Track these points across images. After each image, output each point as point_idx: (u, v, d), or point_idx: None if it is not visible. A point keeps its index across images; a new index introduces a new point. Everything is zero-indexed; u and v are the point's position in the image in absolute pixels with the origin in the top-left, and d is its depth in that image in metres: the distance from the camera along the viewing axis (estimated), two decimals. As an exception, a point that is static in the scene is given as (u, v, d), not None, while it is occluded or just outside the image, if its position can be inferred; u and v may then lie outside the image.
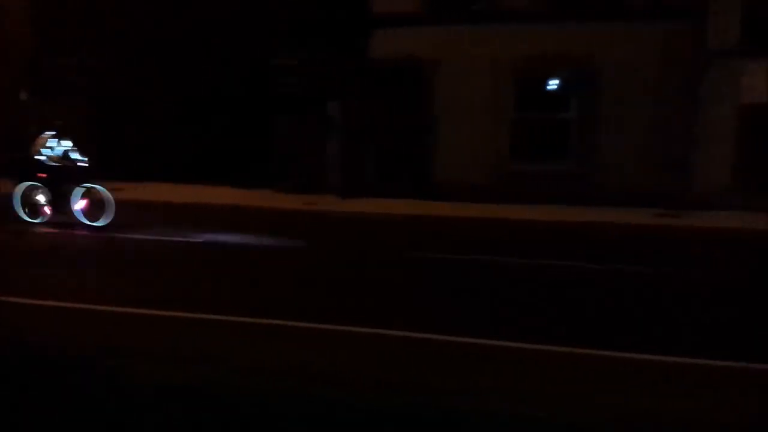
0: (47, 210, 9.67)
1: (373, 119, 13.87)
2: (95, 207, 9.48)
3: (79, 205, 9.48)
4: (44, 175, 9.55)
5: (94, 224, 9.40)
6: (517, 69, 13.12)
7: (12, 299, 5.48)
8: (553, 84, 13.24)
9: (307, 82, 13.85)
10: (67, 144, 9.59)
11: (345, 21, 13.61)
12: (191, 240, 8.87)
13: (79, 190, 9.45)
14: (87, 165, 9.60)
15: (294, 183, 14.07)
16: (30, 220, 9.67)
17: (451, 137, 13.58)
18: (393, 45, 13.38)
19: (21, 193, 9.68)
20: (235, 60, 14.82)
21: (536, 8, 12.65)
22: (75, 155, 9.59)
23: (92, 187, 9.46)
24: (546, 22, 12.61)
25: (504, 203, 12.38)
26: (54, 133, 9.57)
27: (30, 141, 9.87)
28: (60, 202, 9.56)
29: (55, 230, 9.37)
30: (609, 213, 11.52)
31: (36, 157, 9.51)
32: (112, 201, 9.36)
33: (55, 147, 9.50)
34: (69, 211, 9.51)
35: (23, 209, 9.67)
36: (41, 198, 9.67)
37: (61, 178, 9.53)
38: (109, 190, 9.47)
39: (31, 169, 9.58)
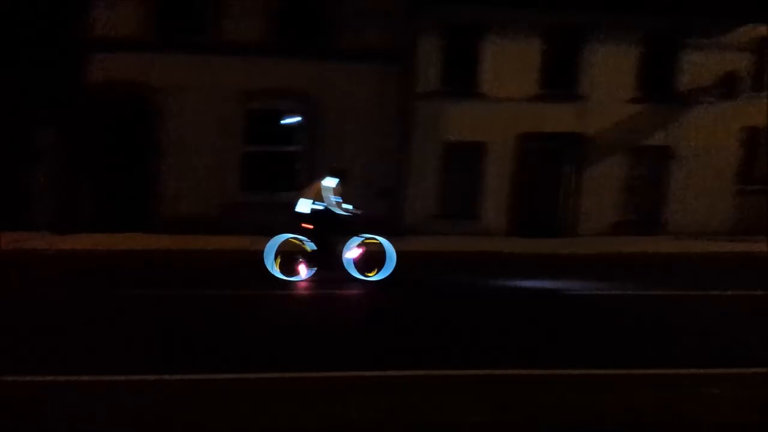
0: (309, 266, 8.53)
1: (93, 148, 12.91)
2: (370, 259, 8.72)
3: (353, 257, 8.68)
4: (311, 226, 8.47)
5: (369, 279, 8.60)
6: (245, 101, 13.28)
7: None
8: (279, 117, 13.64)
9: (4, 105, 12.41)
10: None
11: (58, 42, 12.52)
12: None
13: (354, 241, 8.65)
14: (359, 212, 8.61)
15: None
16: (286, 278, 8.46)
17: (180, 168, 13.21)
18: (115, 70, 12.68)
19: (275, 248, 8.56)
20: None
21: (259, 43, 12.96)
22: (338, 199, 8.55)
23: (370, 237, 8.68)
24: (269, 57, 12.99)
25: (230, 234, 12.34)
26: (339, 180, 8.57)
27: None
28: (326, 255, 8.51)
29: (339, 290, 8.23)
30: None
31: (314, 206, 8.48)
32: (393, 253, 8.68)
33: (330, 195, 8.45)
34: (337, 266, 8.60)
35: (276, 265, 8.53)
36: (303, 252, 8.55)
37: (332, 229, 8.51)
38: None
39: (300, 219, 8.56)
